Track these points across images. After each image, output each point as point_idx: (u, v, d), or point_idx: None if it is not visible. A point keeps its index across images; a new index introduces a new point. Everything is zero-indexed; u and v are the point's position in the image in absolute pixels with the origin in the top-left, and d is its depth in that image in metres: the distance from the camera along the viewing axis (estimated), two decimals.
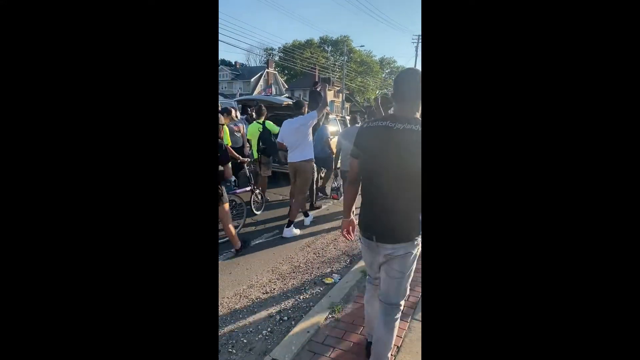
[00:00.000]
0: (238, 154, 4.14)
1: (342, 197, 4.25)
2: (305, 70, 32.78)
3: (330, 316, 2.17)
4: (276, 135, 4.18)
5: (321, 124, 4.73)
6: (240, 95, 15.56)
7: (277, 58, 38.09)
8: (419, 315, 2.13)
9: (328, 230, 3.92)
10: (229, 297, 2.47)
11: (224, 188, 2.95)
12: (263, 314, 2.28)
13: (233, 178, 3.18)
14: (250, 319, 2.22)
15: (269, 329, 2.11)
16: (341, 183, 5.03)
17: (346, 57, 33.43)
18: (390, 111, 2.73)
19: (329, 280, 2.76)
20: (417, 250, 1.45)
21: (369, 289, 1.72)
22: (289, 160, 3.70)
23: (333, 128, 6.13)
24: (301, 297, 2.50)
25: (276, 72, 33.77)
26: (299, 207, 3.87)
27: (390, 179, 1.35)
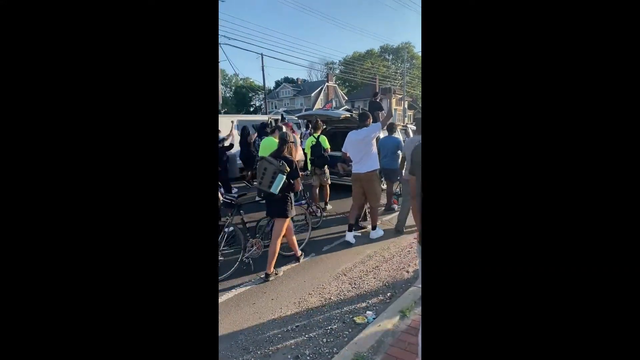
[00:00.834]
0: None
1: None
2: (366, 80, 32.55)
3: None
4: (326, 149, 4.58)
5: (387, 134, 4.85)
6: (306, 110, 16.56)
7: (337, 71, 38.68)
8: None
9: (370, 256, 3.51)
10: (246, 333, 2.26)
11: (293, 200, 3.01)
12: (278, 358, 2.01)
13: (301, 187, 3.27)
14: None
15: None
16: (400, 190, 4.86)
17: (408, 64, 32.33)
18: None
19: (360, 320, 2.38)
20: None
21: None
22: (353, 171, 3.81)
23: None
24: (325, 339, 2.17)
25: (336, 85, 34.16)
26: (375, 217, 3.96)
27: None
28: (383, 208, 4.97)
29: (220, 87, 13.28)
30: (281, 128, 4.32)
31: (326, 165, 4.76)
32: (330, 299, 2.69)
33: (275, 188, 2.79)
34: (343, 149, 3.87)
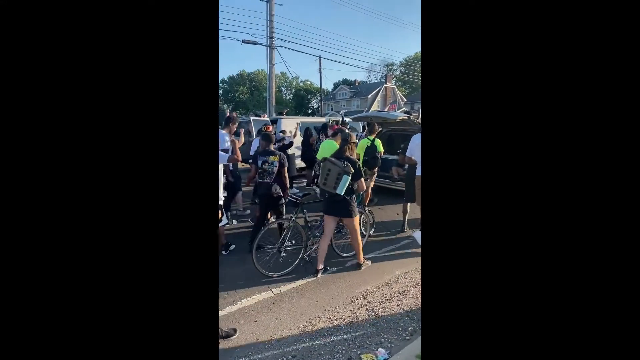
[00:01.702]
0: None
1: None
2: None
3: None
4: (380, 152, 4.51)
5: None
6: (366, 112, 16.75)
7: (397, 72, 37.41)
8: None
9: (398, 278, 3.07)
10: (236, 357, 2.05)
11: (355, 201, 3.03)
12: None
13: (365, 188, 3.24)
14: None
15: None
16: None
17: None
18: None
19: (368, 359, 2.01)
20: None
21: None
22: (417, 174, 3.69)
23: None
24: None
25: (394, 87, 33.02)
26: None
27: None
28: None
29: (273, 89, 13.59)
30: (342, 130, 4.35)
31: (377, 168, 4.63)
32: (339, 326, 2.35)
33: (341, 189, 2.83)
34: (407, 154, 3.72)
